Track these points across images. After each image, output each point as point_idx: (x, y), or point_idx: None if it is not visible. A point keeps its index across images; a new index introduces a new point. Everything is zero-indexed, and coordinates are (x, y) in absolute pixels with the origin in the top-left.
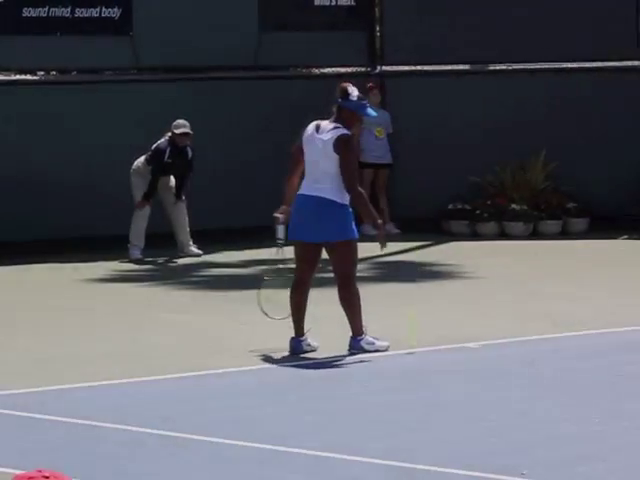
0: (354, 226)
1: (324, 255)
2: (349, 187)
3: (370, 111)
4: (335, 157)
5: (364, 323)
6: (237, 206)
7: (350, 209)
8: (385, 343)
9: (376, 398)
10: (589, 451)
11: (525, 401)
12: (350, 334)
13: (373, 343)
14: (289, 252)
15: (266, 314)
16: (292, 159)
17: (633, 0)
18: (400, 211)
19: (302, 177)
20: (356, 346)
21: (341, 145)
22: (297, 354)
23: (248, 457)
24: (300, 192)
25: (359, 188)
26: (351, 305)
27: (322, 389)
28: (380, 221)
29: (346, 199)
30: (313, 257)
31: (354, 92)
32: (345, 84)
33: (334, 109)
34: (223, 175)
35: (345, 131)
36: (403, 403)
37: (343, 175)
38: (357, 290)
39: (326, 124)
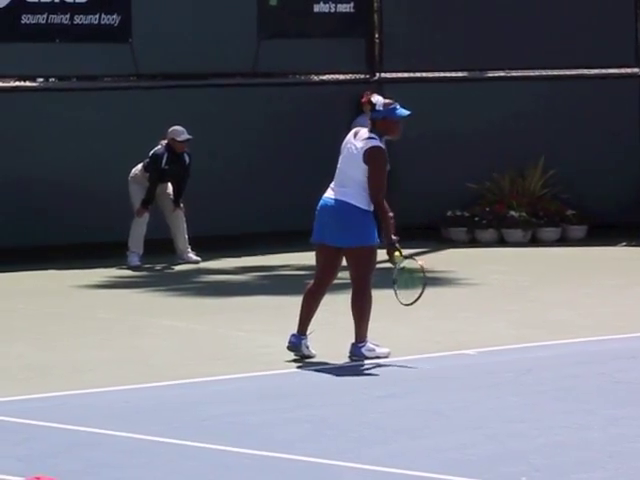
0: (374, 232)
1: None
2: (373, 199)
3: (401, 111)
4: (363, 166)
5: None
6: (236, 213)
7: (372, 215)
8: (386, 350)
9: (374, 405)
10: (587, 458)
11: (523, 408)
12: (351, 341)
13: (374, 350)
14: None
15: (400, 301)
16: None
17: (632, 8)
18: (398, 218)
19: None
20: (357, 353)
21: (370, 157)
22: (293, 350)
23: (247, 464)
24: (326, 195)
25: (384, 203)
26: (361, 311)
27: (320, 396)
28: (395, 238)
29: (369, 204)
30: (333, 261)
31: (379, 100)
32: (368, 96)
33: (369, 123)
34: (221, 182)
35: (376, 143)
36: (401, 410)
37: (369, 186)
38: (370, 297)
39: (364, 132)
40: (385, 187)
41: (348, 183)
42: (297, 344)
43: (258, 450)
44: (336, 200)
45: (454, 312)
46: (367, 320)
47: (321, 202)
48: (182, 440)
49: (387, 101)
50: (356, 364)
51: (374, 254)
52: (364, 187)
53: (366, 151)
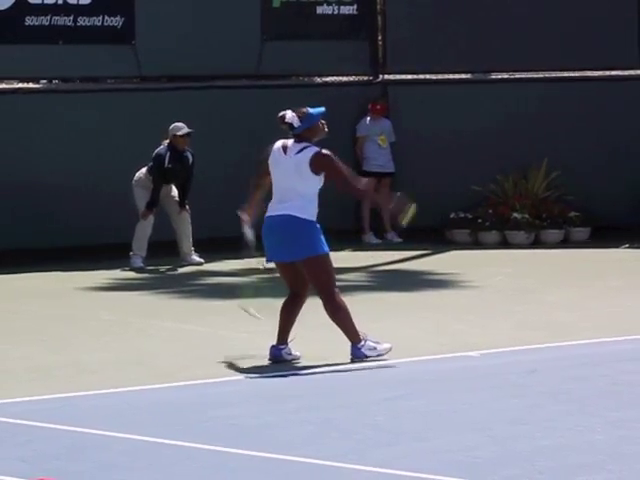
0: (322, 241)
1: None
2: (356, 195)
3: (316, 110)
4: (310, 176)
5: (363, 330)
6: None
7: (317, 224)
8: (387, 345)
9: (376, 407)
10: (590, 460)
11: (526, 410)
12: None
13: (375, 348)
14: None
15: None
16: (260, 171)
17: (636, 9)
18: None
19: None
20: (357, 354)
21: (319, 164)
22: (276, 362)
23: (250, 465)
24: (267, 214)
25: (361, 188)
26: (338, 318)
27: (322, 397)
28: (389, 201)
29: (313, 215)
30: (296, 275)
31: (293, 118)
32: (280, 120)
33: (292, 138)
34: (225, 183)
35: (315, 148)
36: (404, 412)
37: (345, 189)
38: (341, 301)
39: (293, 145)
40: (353, 177)
41: (289, 197)
42: (278, 355)
43: (261, 452)
44: (279, 216)
45: (457, 314)
46: (349, 322)
47: (265, 222)
48: (185, 442)
49: (299, 112)
50: (357, 365)
51: (327, 262)
52: (308, 198)
53: (311, 161)
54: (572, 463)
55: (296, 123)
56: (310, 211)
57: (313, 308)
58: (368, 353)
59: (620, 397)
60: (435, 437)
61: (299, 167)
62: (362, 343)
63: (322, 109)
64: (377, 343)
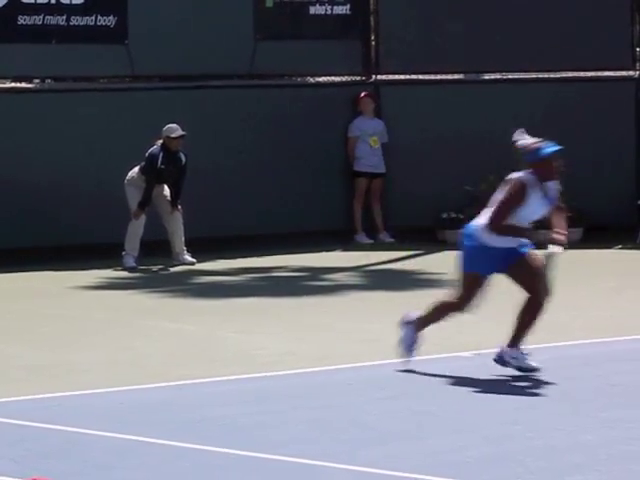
0: (473, 262)
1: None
2: (488, 221)
3: (547, 148)
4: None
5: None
6: (231, 215)
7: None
8: (533, 365)
9: (368, 407)
10: (582, 460)
11: (518, 410)
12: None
13: (517, 358)
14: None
15: None
16: None
17: (628, 10)
18: (395, 220)
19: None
20: (501, 358)
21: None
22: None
23: (239, 465)
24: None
25: (498, 224)
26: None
27: (313, 397)
28: (533, 234)
29: (484, 239)
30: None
31: (526, 141)
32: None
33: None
34: (217, 183)
35: (517, 175)
36: (396, 412)
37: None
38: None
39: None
40: (501, 211)
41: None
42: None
43: (253, 451)
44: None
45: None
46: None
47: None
48: (176, 441)
49: (532, 143)
50: (349, 366)
51: (469, 281)
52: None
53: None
54: (564, 463)
55: (524, 153)
56: (483, 233)
57: (310, 309)
58: (511, 361)
59: (613, 397)
60: (426, 437)
61: None
62: (513, 351)
63: (554, 148)
64: (525, 357)
